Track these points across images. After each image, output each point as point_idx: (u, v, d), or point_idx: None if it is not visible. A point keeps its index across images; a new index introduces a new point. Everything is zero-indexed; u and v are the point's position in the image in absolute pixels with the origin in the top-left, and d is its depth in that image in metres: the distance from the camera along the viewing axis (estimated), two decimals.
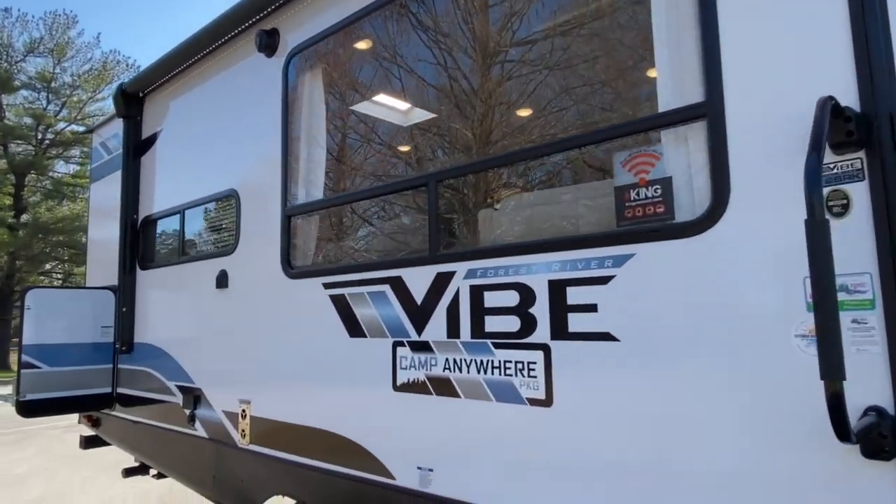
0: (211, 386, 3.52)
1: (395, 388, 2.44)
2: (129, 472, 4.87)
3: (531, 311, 2.01)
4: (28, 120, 28.24)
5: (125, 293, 4.35)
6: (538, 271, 2.01)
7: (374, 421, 2.53)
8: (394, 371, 2.46)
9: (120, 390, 4.45)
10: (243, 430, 3.21)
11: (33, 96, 28.72)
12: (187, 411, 3.65)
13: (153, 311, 4.19)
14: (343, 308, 2.71)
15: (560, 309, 1.94)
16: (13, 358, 27.31)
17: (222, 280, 3.47)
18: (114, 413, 4.50)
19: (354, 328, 2.65)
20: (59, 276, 33.55)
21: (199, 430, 3.55)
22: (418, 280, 2.40)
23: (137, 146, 4.49)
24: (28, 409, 4.09)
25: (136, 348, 4.28)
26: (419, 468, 2.32)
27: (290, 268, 3.05)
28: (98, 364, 4.44)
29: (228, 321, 3.43)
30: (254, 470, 3.14)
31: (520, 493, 2.01)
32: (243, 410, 3.22)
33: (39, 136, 28.83)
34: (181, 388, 3.75)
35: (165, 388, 3.89)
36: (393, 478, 2.42)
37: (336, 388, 2.72)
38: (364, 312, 2.61)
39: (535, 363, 1.99)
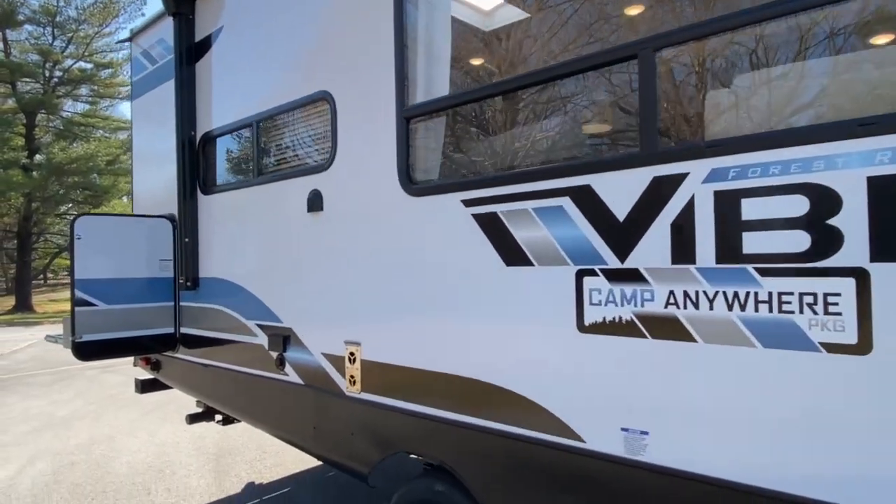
0: (305, 326, 3.02)
1: (582, 328, 1.91)
2: (194, 419, 4.49)
3: (832, 222, 1.44)
4: (34, 56, 27.27)
5: (186, 222, 3.82)
6: (849, 165, 1.42)
7: (548, 368, 2.01)
8: (579, 307, 1.92)
9: (184, 330, 3.98)
10: (352, 377, 2.73)
11: (38, 31, 27.58)
12: (274, 354, 3.17)
13: (222, 241, 3.66)
14: (494, 229, 2.15)
15: (892, 217, 1.36)
16: (35, 300, 27.40)
17: (315, 202, 2.91)
18: (177, 355, 4.06)
19: (513, 254, 2.09)
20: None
21: (292, 376, 3.08)
22: (621, 188, 1.82)
23: (191, 50, 3.85)
24: (85, 351, 3.64)
25: (203, 284, 3.78)
26: (625, 430, 1.81)
27: (412, 183, 2.48)
28: (158, 301, 3.96)
29: (325, 250, 2.89)
30: (368, 422, 2.68)
31: (804, 472, 1.49)
32: (351, 354, 2.73)
33: (47, 74, 27.95)
34: (264, 328, 3.26)
35: (243, 327, 3.41)
36: (580, 440, 1.92)
37: (486, 327, 2.19)
38: (529, 234, 2.05)
39: (837, 295, 1.43)
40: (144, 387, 4.66)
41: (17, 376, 10.12)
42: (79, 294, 3.61)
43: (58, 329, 17.79)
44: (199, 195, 3.83)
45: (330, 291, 2.86)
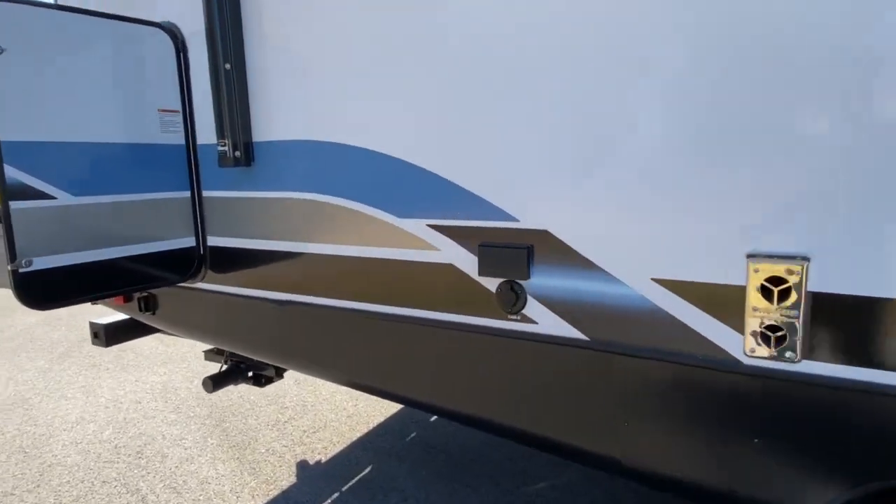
0: (589, 225, 1.45)
1: None
2: (218, 382, 2.81)
3: None
4: None
5: (223, 33, 1.93)
6: None
7: None
8: None
9: (216, 242, 2.20)
10: (770, 329, 1.27)
11: None
12: (492, 283, 1.60)
13: (316, 65, 1.85)
14: None
15: None
16: None
17: None
18: (201, 285, 2.29)
19: None
20: None
21: (547, 324, 1.55)
22: None
23: None
24: (38, 289, 1.82)
25: (265, 155, 1.99)
26: None
27: None
28: (160, 190, 2.12)
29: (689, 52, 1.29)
30: (833, 424, 1.27)
31: None
32: (773, 281, 1.25)
33: None
34: (457, 234, 1.65)
35: (391, 233, 1.75)
36: None
37: None
38: None
39: None
40: (110, 335, 2.83)
41: None
42: (13, 174, 1.69)
43: None
44: None
45: (696, 146, 1.31)
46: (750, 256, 1.28)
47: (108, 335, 2.83)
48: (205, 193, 2.18)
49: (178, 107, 2.12)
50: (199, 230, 2.21)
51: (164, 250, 2.13)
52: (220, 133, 1.98)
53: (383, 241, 1.78)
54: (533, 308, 1.57)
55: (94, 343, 2.88)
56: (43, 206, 1.76)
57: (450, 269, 1.68)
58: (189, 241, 2.20)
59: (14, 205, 1.69)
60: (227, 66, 1.93)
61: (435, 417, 3.51)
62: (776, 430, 1.33)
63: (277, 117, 1.94)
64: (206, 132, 2.11)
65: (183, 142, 2.14)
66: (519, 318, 1.60)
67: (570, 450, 1.63)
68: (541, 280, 1.55)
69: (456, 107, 1.61)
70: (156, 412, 3.87)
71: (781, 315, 1.26)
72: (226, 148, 1.96)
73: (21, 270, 1.72)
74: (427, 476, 2.96)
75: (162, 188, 2.11)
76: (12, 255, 1.71)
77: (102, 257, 1.94)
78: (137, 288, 2.17)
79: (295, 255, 1.98)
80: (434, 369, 1.81)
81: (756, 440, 1.35)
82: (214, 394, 4.05)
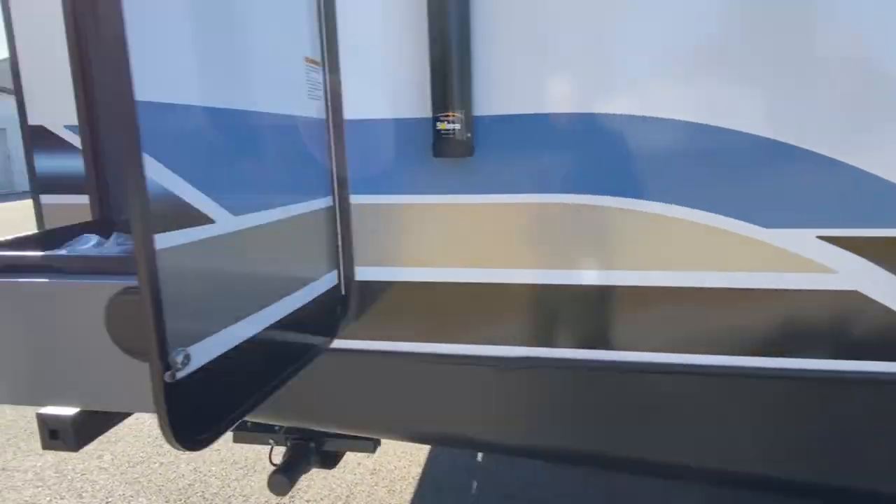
0: None
1: None
2: (291, 476, 1.88)
3: None
4: None
5: None
6: None
7: None
8: None
9: (369, 274, 1.38)
10: None
11: None
12: None
13: None
14: None
15: None
16: None
17: None
18: (348, 344, 1.43)
19: None
20: None
21: None
22: None
23: None
24: (199, 412, 0.89)
25: (505, 135, 1.25)
26: None
27: None
28: (304, 198, 1.25)
29: None
30: None
31: None
32: None
33: None
34: (873, 248, 1.16)
35: (742, 248, 1.19)
36: None
37: None
38: None
39: None
40: (80, 431, 1.74)
41: None
42: (157, 178, 0.78)
43: None
44: None
45: None
46: None
47: (77, 431, 1.74)
48: (355, 200, 1.35)
49: (318, 58, 1.26)
50: (344, 255, 1.37)
51: (306, 303, 1.26)
52: (442, 103, 1.19)
53: (729, 262, 1.21)
54: None
55: (47, 447, 1.76)
56: (194, 241, 0.86)
57: (854, 297, 1.19)
58: (328, 280, 1.35)
59: (164, 253, 0.78)
60: None
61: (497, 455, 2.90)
62: None
63: (534, 76, 1.23)
64: (360, 99, 1.30)
65: (323, 115, 1.29)
66: None
67: None
68: None
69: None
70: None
71: None
72: (454, 126, 1.19)
73: (176, 376, 0.81)
74: None
75: (304, 194, 1.24)
76: (161, 351, 0.79)
77: (251, 332, 1.05)
78: (282, 378, 1.23)
79: (547, 290, 1.30)
80: (825, 442, 1.30)
81: None
82: (137, 472, 2.96)
